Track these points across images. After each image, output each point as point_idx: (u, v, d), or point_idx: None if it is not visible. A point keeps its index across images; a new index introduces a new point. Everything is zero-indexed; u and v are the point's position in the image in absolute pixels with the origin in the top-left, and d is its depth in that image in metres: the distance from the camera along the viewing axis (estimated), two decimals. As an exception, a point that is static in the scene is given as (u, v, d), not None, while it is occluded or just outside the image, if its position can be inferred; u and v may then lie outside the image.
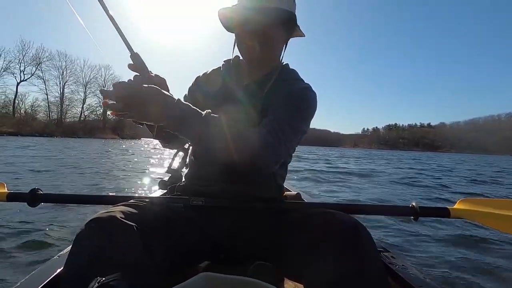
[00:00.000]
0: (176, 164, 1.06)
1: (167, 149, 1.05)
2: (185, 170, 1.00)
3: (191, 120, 0.71)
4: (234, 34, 0.94)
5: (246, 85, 0.94)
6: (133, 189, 4.91)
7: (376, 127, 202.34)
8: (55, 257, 0.76)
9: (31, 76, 51.15)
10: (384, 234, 2.88)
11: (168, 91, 0.80)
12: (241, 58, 0.97)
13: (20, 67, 50.31)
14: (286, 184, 1.85)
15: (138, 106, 0.67)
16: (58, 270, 0.66)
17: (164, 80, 0.84)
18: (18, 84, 49.44)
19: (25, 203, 0.89)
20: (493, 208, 0.91)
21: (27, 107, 50.74)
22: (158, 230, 0.71)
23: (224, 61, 1.02)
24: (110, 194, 0.90)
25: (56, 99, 52.49)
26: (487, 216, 0.90)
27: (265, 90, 0.90)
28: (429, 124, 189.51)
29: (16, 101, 48.78)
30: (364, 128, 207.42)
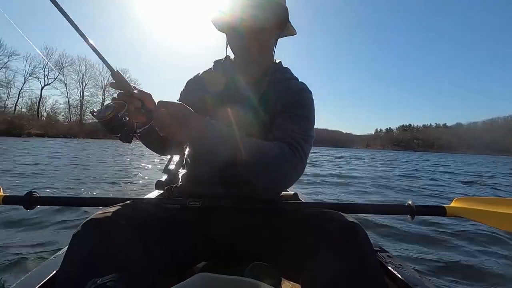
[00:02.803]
0: (173, 164, 1.06)
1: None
2: (182, 171, 0.99)
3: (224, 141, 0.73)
4: (225, 33, 0.92)
5: (244, 84, 0.92)
6: (130, 189, 4.89)
7: (390, 127, 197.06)
8: (51, 258, 0.75)
9: (54, 80, 54.45)
10: (381, 233, 2.89)
11: (154, 104, 0.79)
12: (231, 57, 0.95)
13: (44, 72, 53.35)
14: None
15: (179, 121, 0.68)
16: (54, 271, 0.66)
17: (150, 94, 0.81)
18: (42, 88, 52.89)
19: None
20: (488, 206, 0.92)
21: (47, 109, 54.23)
22: (155, 230, 0.71)
23: (214, 62, 0.99)
24: (107, 195, 0.89)
25: (76, 101, 55.95)
26: (483, 214, 0.91)
27: (262, 90, 0.89)
28: (444, 125, 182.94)
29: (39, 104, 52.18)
30: (377, 129, 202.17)
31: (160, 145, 0.95)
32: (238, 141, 0.72)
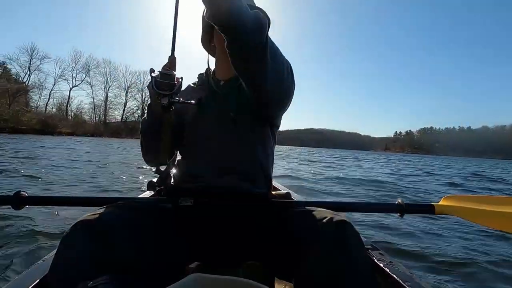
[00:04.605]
0: (164, 165, 1.05)
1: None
2: (173, 170, 0.99)
3: None
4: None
5: (223, 84, 0.98)
6: (121, 190, 4.83)
7: (410, 130, 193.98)
8: (39, 261, 0.74)
9: (81, 82, 59.43)
10: (372, 231, 2.93)
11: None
12: (211, 69, 1.03)
13: (72, 74, 58.71)
14: (276, 184, 1.86)
15: None
16: (44, 275, 0.65)
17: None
18: (70, 89, 57.64)
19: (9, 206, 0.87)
20: (476, 204, 0.94)
21: (73, 109, 58.75)
22: (146, 231, 0.71)
23: (199, 75, 1.06)
24: (98, 195, 0.88)
25: (101, 102, 60.38)
26: (470, 212, 0.93)
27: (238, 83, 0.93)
28: (469, 128, 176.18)
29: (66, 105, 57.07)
30: (396, 132, 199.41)
31: (156, 146, 0.91)
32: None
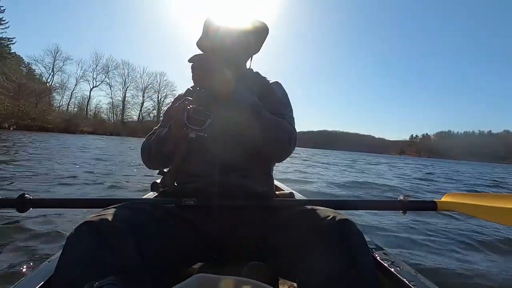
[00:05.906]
0: None
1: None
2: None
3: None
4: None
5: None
6: (125, 191, 4.85)
7: (426, 133, 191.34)
8: (45, 263, 0.74)
9: (101, 82, 61.73)
10: (376, 230, 2.91)
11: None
12: None
13: (93, 75, 61.02)
14: (279, 184, 1.86)
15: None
16: (49, 276, 0.65)
17: None
18: (91, 89, 60.16)
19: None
20: (478, 200, 0.97)
21: (92, 109, 61.82)
22: (150, 232, 0.71)
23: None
24: (102, 196, 0.89)
25: (119, 102, 62.75)
26: (472, 208, 0.95)
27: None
28: (490, 132, 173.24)
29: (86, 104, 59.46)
30: (412, 135, 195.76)
31: (166, 158, 0.96)
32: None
